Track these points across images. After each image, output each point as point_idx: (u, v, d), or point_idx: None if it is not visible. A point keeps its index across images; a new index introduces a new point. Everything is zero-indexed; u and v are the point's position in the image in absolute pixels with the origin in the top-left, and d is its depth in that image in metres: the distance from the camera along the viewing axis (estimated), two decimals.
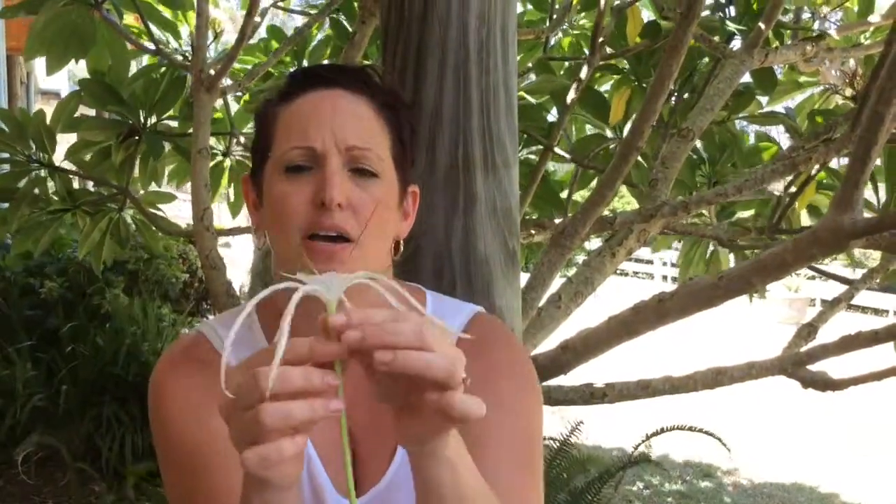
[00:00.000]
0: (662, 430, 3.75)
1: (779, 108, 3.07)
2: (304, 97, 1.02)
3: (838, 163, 2.74)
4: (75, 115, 3.07)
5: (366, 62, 2.95)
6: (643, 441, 3.88)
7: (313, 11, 3.20)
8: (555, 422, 4.18)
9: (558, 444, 3.86)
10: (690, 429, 3.74)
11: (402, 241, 1.08)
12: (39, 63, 13.11)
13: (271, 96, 1.07)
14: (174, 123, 3.19)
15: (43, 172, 3.06)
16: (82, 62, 2.94)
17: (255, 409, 0.67)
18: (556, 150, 2.70)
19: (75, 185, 3.29)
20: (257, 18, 3.12)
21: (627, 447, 3.98)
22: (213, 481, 0.97)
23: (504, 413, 1.02)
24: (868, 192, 2.12)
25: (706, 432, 3.71)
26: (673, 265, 16.56)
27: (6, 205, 3.09)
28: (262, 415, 0.67)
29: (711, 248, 3.12)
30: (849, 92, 2.45)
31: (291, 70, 1.11)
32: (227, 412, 0.72)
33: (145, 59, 3.15)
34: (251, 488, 0.77)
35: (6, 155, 3.02)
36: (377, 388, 0.76)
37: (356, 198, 0.97)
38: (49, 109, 3.09)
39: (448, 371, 0.70)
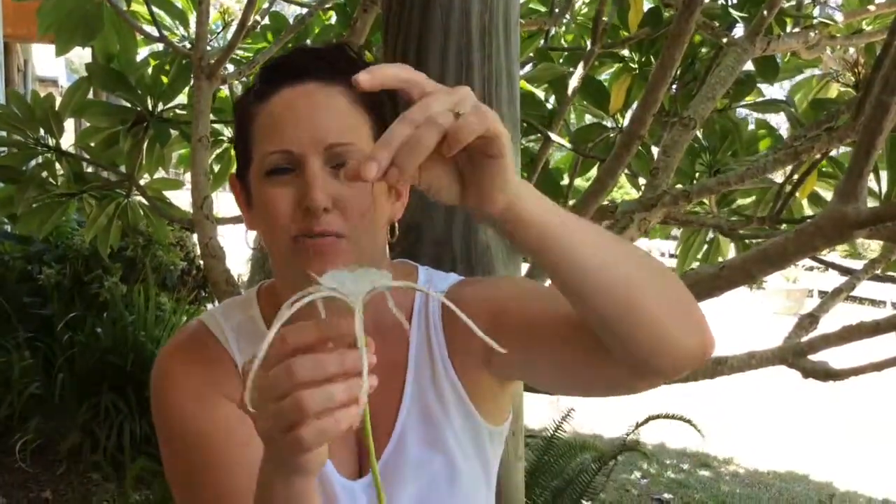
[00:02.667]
0: (646, 421, 3.79)
1: (778, 94, 3.06)
2: (278, 95, 0.99)
3: (838, 152, 2.74)
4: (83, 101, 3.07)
5: (367, 51, 2.93)
6: (632, 430, 3.91)
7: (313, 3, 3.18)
8: (549, 410, 4.19)
9: (550, 433, 3.90)
10: (671, 417, 3.79)
11: (396, 223, 1.07)
12: (37, 50, 13.10)
13: (247, 92, 1.05)
14: (182, 111, 3.19)
15: (51, 156, 3.06)
16: (86, 50, 2.94)
17: (294, 395, 0.67)
18: (558, 139, 2.69)
19: (89, 170, 3.30)
20: (265, 4, 3.11)
21: (632, 434, 4.00)
22: (217, 470, 0.98)
23: (524, 292, 1.06)
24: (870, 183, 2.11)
25: (682, 418, 3.78)
26: (672, 256, 16.55)
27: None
28: (305, 401, 0.66)
29: (710, 236, 3.11)
30: (850, 79, 2.44)
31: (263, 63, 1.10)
32: (254, 404, 0.71)
33: (159, 47, 3.14)
34: (277, 476, 0.77)
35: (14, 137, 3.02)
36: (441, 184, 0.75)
37: (341, 197, 0.95)
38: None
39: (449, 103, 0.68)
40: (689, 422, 3.78)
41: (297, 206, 0.95)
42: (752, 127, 3.15)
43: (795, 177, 2.42)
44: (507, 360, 1.02)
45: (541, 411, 4.21)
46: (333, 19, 3.39)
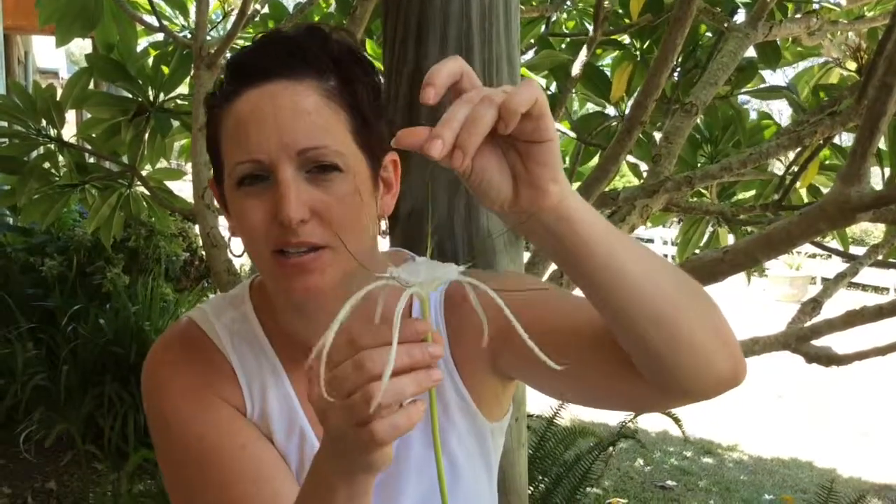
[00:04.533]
0: (639, 413, 3.82)
1: (779, 80, 3.05)
2: (245, 96, 0.91)
3: (841, 139, 2.73)
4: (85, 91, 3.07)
5: (368, 38, 2.92)
6: (630, 418, 3.92)
7: None
8: (544, 398, 4.19)
9: (548, 419, 3.92)
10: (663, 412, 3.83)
11: (386, 218, 1.02)
12: (37, 42, 13.08)
13: (213, 93, 0.98)
14: (183, 101, 3.18)
15: (52, 146, 3.06)
16: (86, 42, 2.94)
17: (365, 389, 0.67)
18: (560, 126, 2.69)
19: (91, 161, 3.30)
20: None
21: (630, 423, 4.01)
22: (221, 471, 0.95)
23: (547, 299, 0.98)
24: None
25: (672, 416, 3.81)
26: (674, 244, 16.49)
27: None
28: (376, 394, 0.65)
29: (711, 229, 3.10)
30: (852, 65, 2.43)
31: (228, 58, 1.04)
32: (323, 401, 0.70)
33: (159, 37, 3.14)
34: (339, 476, 0.76)
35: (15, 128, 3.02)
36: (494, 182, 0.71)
37: (319, 204, 0.89)
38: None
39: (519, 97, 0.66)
40: (676, 420, 3.80)
41: (273, 219, 0.89)
42: (753, 116, 3.14)
43: (795, 167, 2.41)
44: (513, 365, 1.00)
45: (540, 397, 4.22)
46: (333, 7, 3.38)
